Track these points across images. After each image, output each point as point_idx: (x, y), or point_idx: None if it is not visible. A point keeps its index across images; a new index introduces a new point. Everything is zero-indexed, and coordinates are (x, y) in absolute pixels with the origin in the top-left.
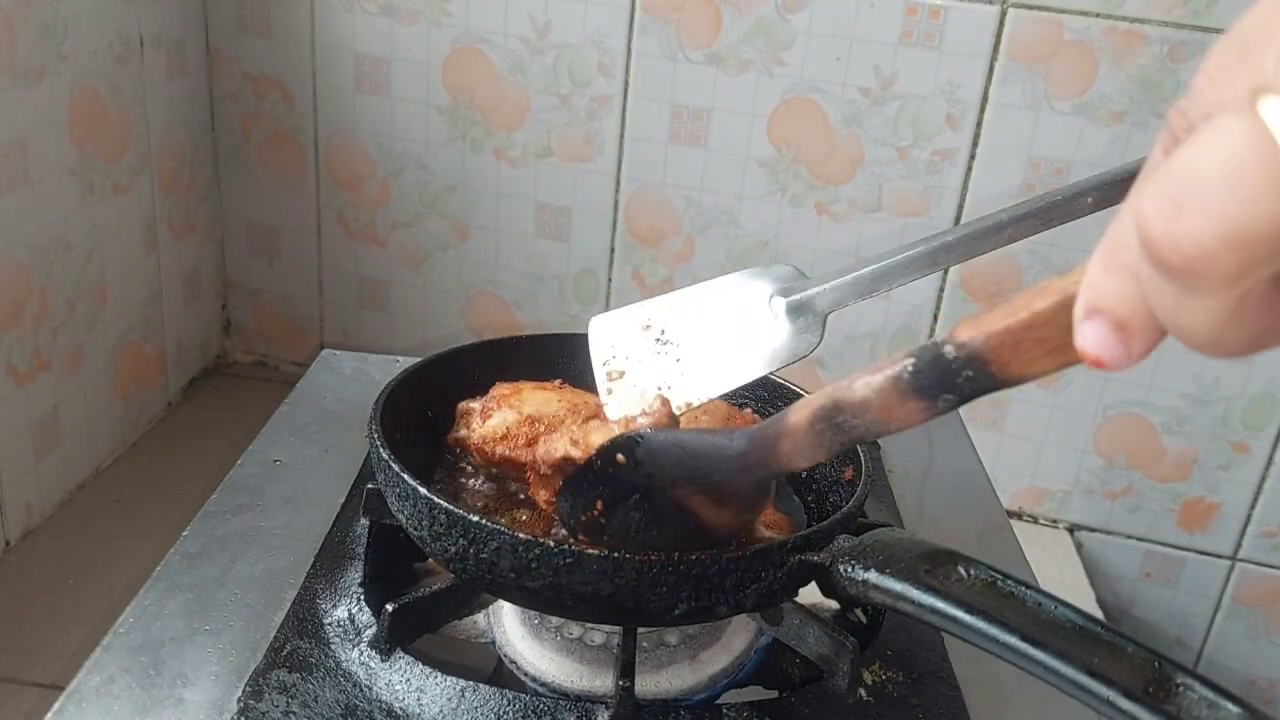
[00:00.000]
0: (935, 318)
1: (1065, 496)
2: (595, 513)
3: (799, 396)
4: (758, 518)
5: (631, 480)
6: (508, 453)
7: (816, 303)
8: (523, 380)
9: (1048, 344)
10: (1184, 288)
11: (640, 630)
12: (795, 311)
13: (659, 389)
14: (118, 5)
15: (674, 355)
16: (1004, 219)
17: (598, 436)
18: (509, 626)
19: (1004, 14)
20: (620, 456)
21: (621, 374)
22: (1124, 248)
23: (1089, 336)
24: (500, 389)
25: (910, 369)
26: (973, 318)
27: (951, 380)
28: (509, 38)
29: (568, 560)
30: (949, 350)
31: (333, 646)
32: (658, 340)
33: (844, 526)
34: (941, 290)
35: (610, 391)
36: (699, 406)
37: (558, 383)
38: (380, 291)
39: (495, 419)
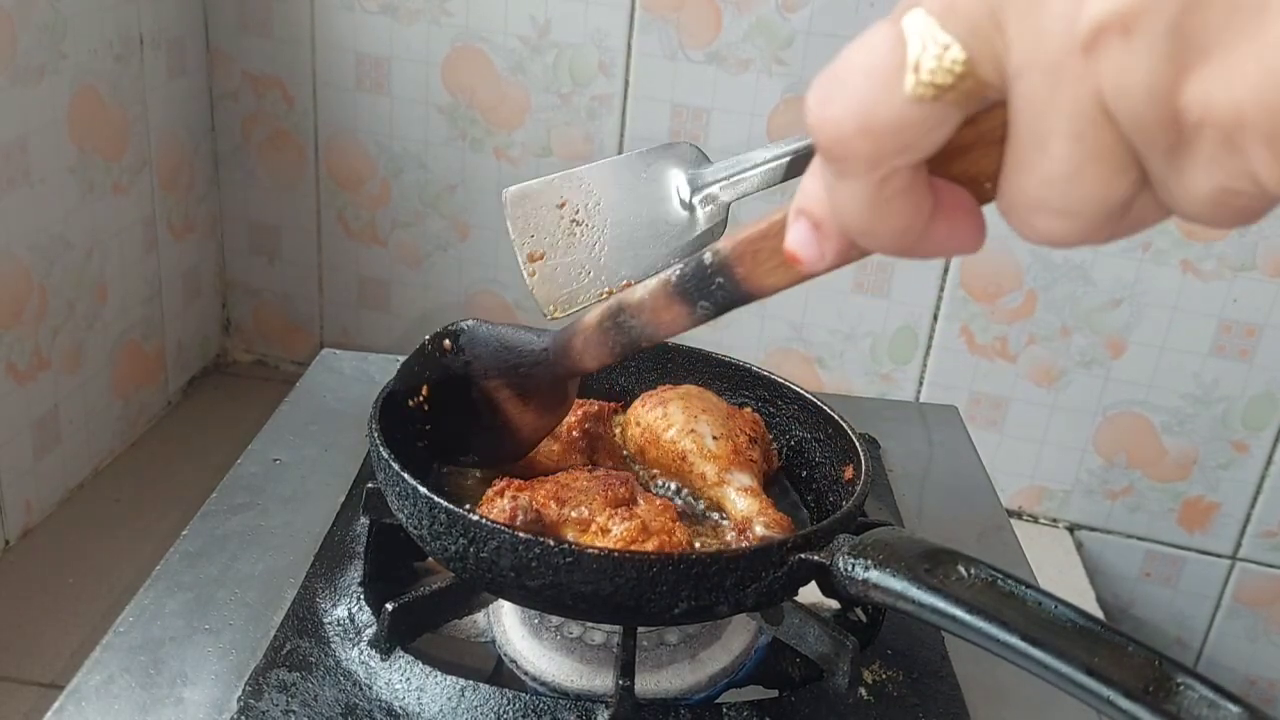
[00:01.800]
0: (935, 317)
1: (1065, 496)
2: (421, 398)
3: (800, 396)
4: (557, 424)
5: (453, 367)
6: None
7: (722, 194)
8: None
9: (779, 255)
10: (835, 172)
11: (640, 629)
12: (704, 201)
13: (578, 272)
14: (118, 4)
15: (590, 239)
16: None
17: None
18: (509, 626)
19: None
20: (446, 342)
21: (542, 255)
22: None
23: (792, 235)
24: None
25: (677, 273)
26: (735, 229)
27: (707, 287)
28: (509, 37)
29: (568, 559)
30: (707, 256)
31: (332, 646)
32: (574, 221)
33: (844, 525)
34: (942, 290)
35: (533, 274)
36: (619, 288)
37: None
38: (380, 291)
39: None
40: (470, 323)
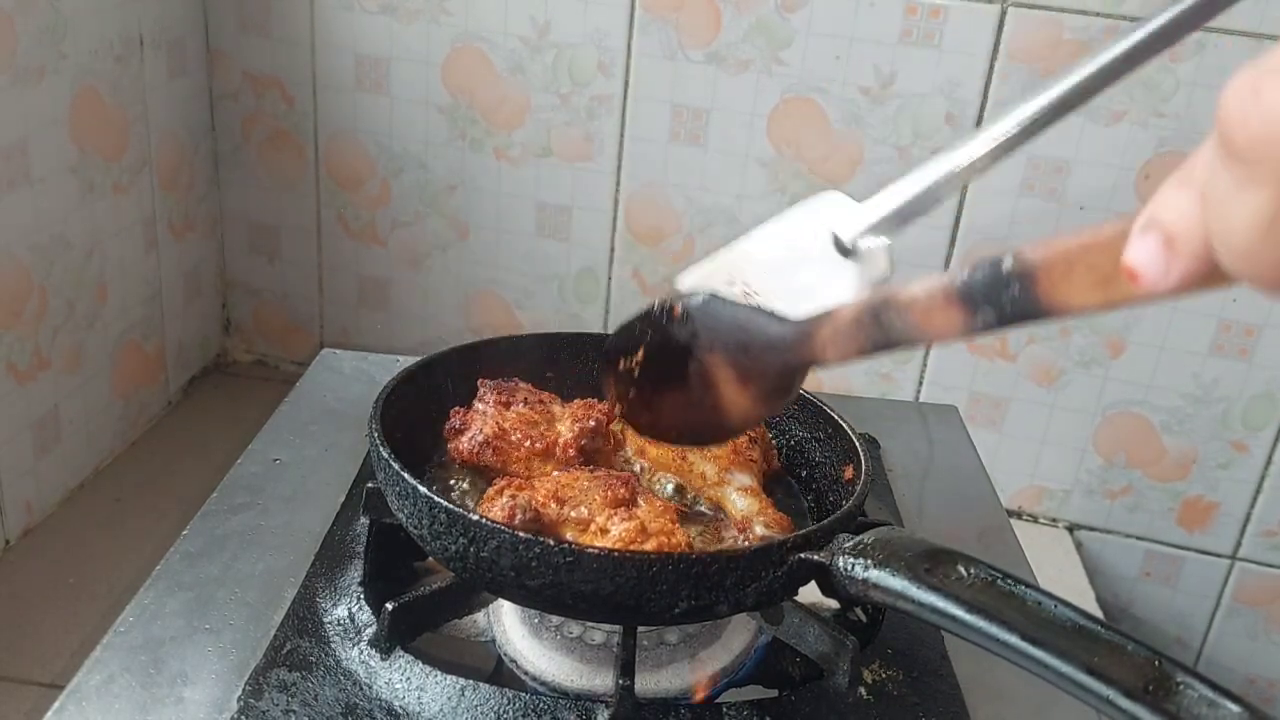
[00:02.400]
0: None
1: (1065, 496)
2: (635, 361)
3: (800, 397)
4: (772, 414)
5: (677, 335)
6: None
7: (873, 233)
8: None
9: (1098, 271)
10: (1241, 176)
11: (640, 629)
12: (858, 244)
13: None
14: (118, 5)
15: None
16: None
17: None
18: (509, 625)
19: (1004, 13)
20: (677, 309)
21: (755, 294)
22: (1200, 165)
23: (1137, 248)
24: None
25: (966, 275)
26: (1046, 239)
27: (998, 294)
28: (509, 37)
29: (568, 559)
30: (1006, 261)
31: (333, 645)
32: (746, 294)
33: (844, 525)
34: None
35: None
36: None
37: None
38: (380, 291)
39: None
40: (706, 295)
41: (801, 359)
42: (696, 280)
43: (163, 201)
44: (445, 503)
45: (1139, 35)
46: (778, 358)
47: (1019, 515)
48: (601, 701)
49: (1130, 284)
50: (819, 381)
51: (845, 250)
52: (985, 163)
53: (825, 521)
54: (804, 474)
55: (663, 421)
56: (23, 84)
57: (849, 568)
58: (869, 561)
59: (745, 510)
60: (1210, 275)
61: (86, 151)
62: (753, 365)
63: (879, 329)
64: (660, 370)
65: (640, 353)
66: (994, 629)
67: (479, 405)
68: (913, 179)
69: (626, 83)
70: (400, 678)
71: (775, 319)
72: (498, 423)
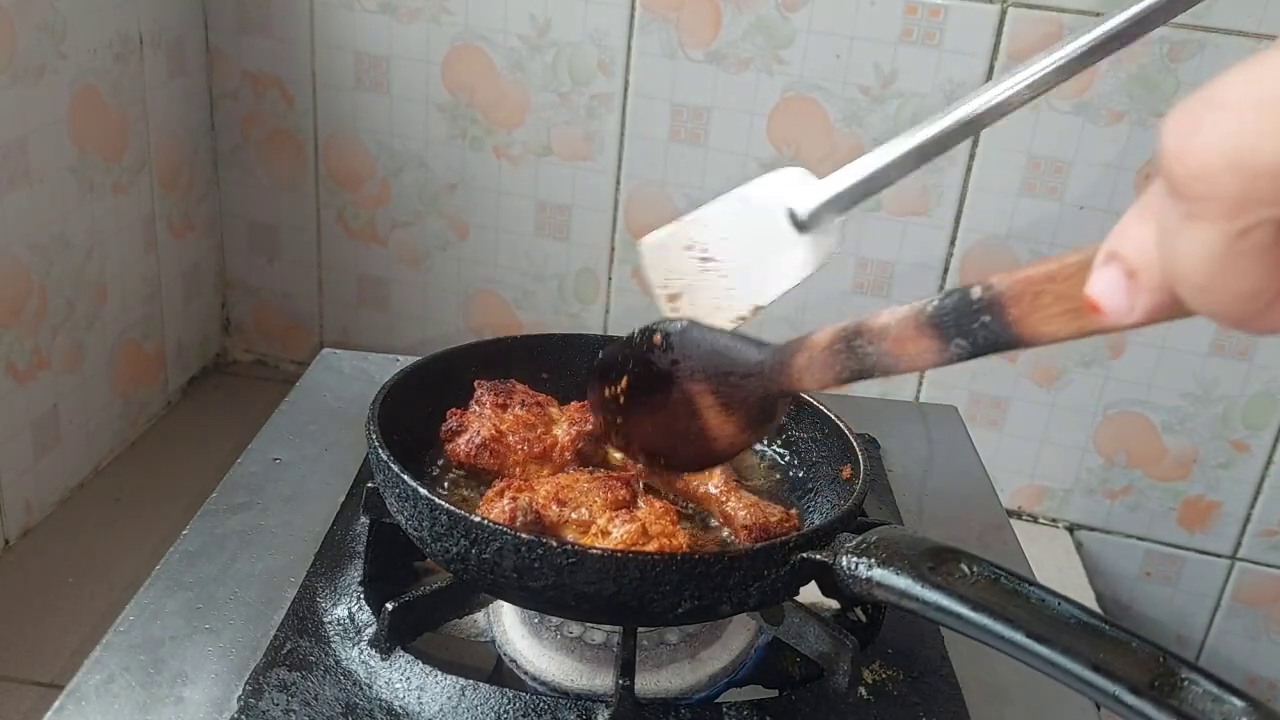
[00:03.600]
0: None
1: (1065, 495)
2: (620, 389)
3: (797, 397)
4: (757, 440)
5: (659, 364)
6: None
7: (827, 211)
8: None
9: (1066, 301)
10: (1186, 213)
11: (640, 629)
12: (812, 220)
13: (713, 306)
14: (117, 4)
15: (718, 272)
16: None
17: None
18: (509, 625)
19: (1004, 13)
20: (657, 337)
21: (678, 295)
22: (1154, 196)
23: (1099, 281)
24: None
25: (934, 304)
26: (1017, 268)
27: (968, 324)
28: (509, 36)
29: (571, 560)
30: (975, 291)
31: (333, 645)
32: (702, 259)
33: (845, 524)
34: (941, 289)
35: (674, 310)
36: (751, 316)
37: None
38: (380, 290)
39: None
40: (684, 323)
41: (780, 387)
42: (658, 240)
43: (162, 201)
44: (446, 505)
45: (1092, 37)
46: (757, 385)
47: (1019, 515)
48: (601, 701)
49: (1093, 316)
50: None
51: (800, 224)
52: (934, 149)
53: (826, 521)
54: (802, 474)
55: (651, 448)
56: (22, 84)
57: (852, 567)
58: (872, 560)
59: (718, 496)
60: (1176, 306)
61: (86, 151)
62: (734, 393)
63: (853, 357)
64: (645, 398)
65: (624, 381)
66: (998, 627)
67: (476, 407)
68: (867, 160)
69: (626, 82)
70: (400, 678)
71: (753, 345)
72: (495, 425)
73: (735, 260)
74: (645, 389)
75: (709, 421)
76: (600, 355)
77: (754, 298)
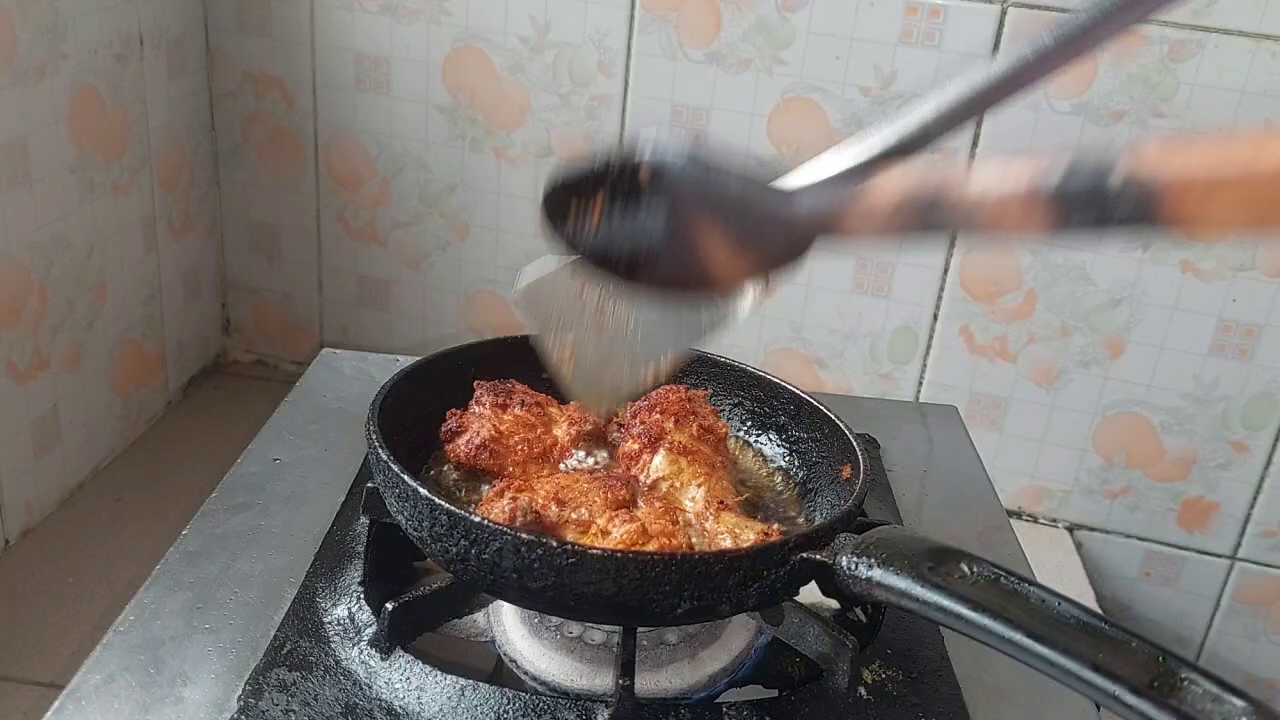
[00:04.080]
0: (935, 317)
1: (1065, 496)
2: (591, 208)
3: (796, 396)
4: (775, 271)
5: (644, 196)
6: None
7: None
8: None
9: (1251, 205)
10: None
11: (640, 629)
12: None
13: (616, 358)
14: (118, 4)
15: (623, 316)
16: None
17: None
18: (509, 625)
19: (1004, 13)
20: (643, 170)
21: (570, 346)
22: None
23: None
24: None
25: (1057, 185)
26: (1165, 145)
27: (1101, 207)
28: (509, 37)
29: (570, 560)
30: (1114, 181)
31: (333, 645)
32: (601, 302)
33: (845, 524)
34: (941, 290)
35: (567, 369)
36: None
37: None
38: (380, 291)
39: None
40: (678, 154)
41: (823, 231)
42: (532, 286)
43: (163, 201)
44: (446, 505)
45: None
46: (783, 231)
47: (1019, 515)
48: (601, 701)
49: None
50: (819, 382)
51: None
52: (920, 142)
53: (826, 521)
54: (802, 474)
55: (629, 269)
56: (23, 84)
57: (852, 567)
58: (872, 560)
59: (701, 510)
60: None
61: (86, 151)
62: (750, 235)
63: (928, 217)
64: (625, 222)
65: (597, 204)
66: (999, 627)
67: (476, 408)
68: (855, 148)
69: (626, 83)
70: (400, 678)
71: (776, 193)
72: (495, 426)
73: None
74: (625, 215)
75: (714, 253)
76: (557, 173)
77: (667, 343)
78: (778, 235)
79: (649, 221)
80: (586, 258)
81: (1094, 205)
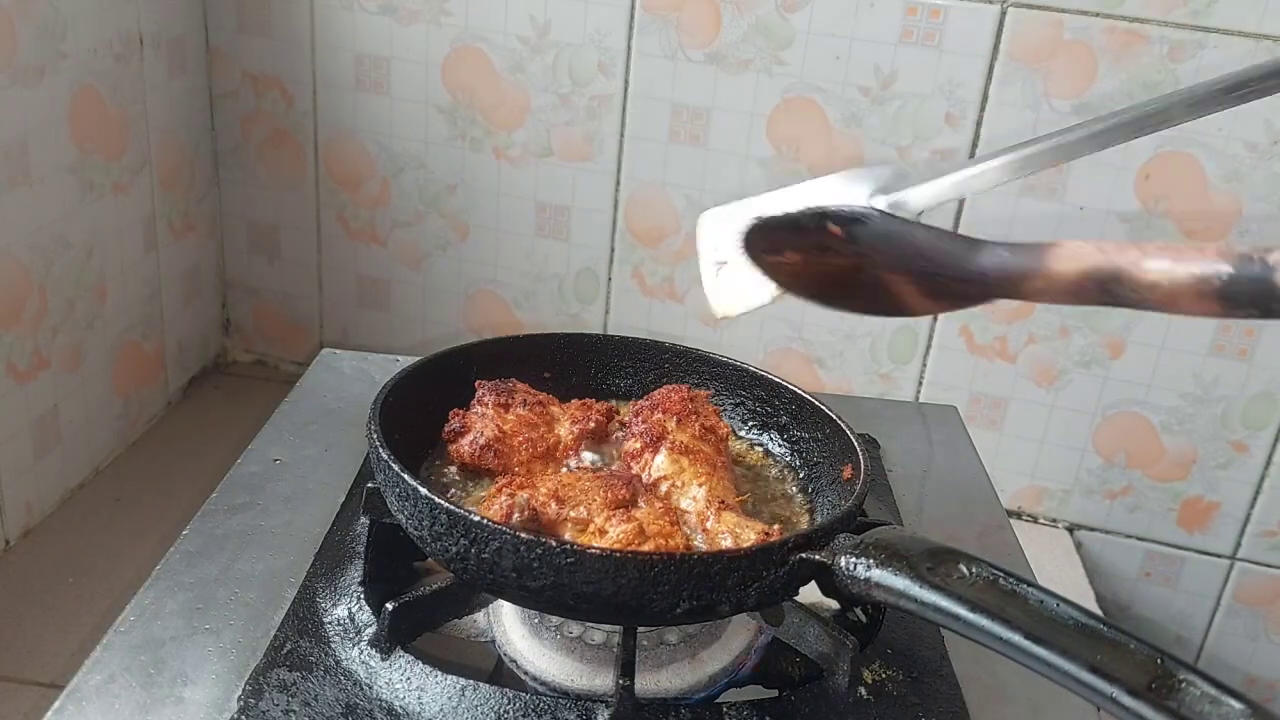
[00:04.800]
0: (935, 317)
1: (1065, 496)
2: (785, 259)
3: (797, 396)
4: (955, 309)
5: (837, 250)
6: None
7: (910, 201)
8: (515, 380)
9: None
10: None
11: (640, 629)
12: (893, 209)
13: (751, 284)
14: (117, 4)
15: None
16: (1096, 129)
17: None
18: (509, 625)
19: (1004, 13)
20: (834, 228)
21: (724, 263)
22: None
23: None
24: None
25: (1224, 278)
26: None
27: (1266, 305)
28: (509, 37)
29: (569, 560)
30: (1278, 279)
31: (333, 645)
32: None
33: (844, 525)
34: None
35: (716, 275)
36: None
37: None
38: (380, 291)
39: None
40: (869, 214)
41: (1001, 293)
42: (718, 214)
43: (162, 201)
44: (446, 504)
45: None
46: (969, 283)
47: (1019, 515)
48: (601, 701)
49: None
50: (819, 382)
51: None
52: (1028, 167)
53: (825, 521)
54: (803, 474)
55: (819, 296)
56: (22, 84)
57: (851, 567)
58: (871, 561)
59: (701, 511)
60: None
61: (86, 151)
62: (939, 286)
63: (1105, 293)
64: (818, 269)
65: (792, 256)
66: (997, 628)
67: (478, 408)
68: (969, 167)
69: (626, 83)
70: (400, 678)
71: (962, 244)
72: (498, 425)
73: None
74: (819, 263)
75: (905, 298)
76: (754, 224)
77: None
78: (964, 287)
79: (846, 268)
80: (788, 290)
81: (1259, 302)
